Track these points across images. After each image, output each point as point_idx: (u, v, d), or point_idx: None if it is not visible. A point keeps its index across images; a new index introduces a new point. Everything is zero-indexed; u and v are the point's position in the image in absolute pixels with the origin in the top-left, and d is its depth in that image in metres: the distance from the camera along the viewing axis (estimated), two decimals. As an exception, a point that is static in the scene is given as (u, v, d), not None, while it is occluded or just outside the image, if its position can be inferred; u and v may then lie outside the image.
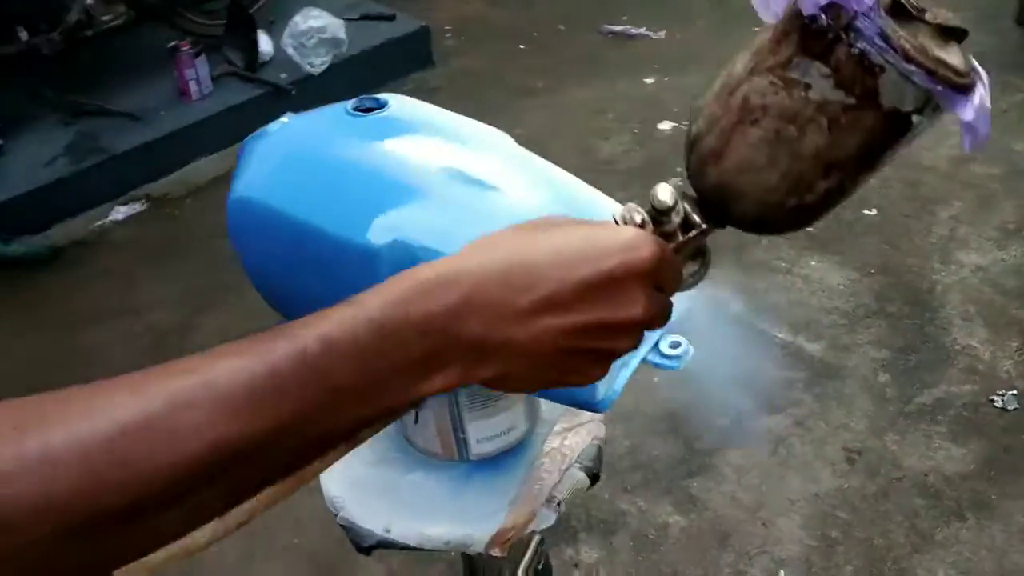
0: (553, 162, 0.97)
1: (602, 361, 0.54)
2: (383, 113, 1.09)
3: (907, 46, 0.50)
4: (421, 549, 1.14)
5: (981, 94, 0.53)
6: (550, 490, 1.15)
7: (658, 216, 0.56)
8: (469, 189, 0.99)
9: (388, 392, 0.48)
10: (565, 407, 1.24)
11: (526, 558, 1.79)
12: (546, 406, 1.25)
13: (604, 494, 1.98)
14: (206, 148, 3.31)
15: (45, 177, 3.06)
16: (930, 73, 0.50)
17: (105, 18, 3.19)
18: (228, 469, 0.44)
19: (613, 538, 1.91)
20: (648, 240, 0.52)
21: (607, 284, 0.50)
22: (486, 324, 0.49)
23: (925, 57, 0.50)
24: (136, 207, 3.16)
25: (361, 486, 1.20)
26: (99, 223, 3.05)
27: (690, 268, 0.59)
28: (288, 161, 1.09)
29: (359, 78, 3.60)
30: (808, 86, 0.52)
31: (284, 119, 1.17)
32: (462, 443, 1.14)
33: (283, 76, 3.48)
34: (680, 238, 0.57)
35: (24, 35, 3.06)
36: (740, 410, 2.15)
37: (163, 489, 0.42)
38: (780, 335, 2.35)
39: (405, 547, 1.15)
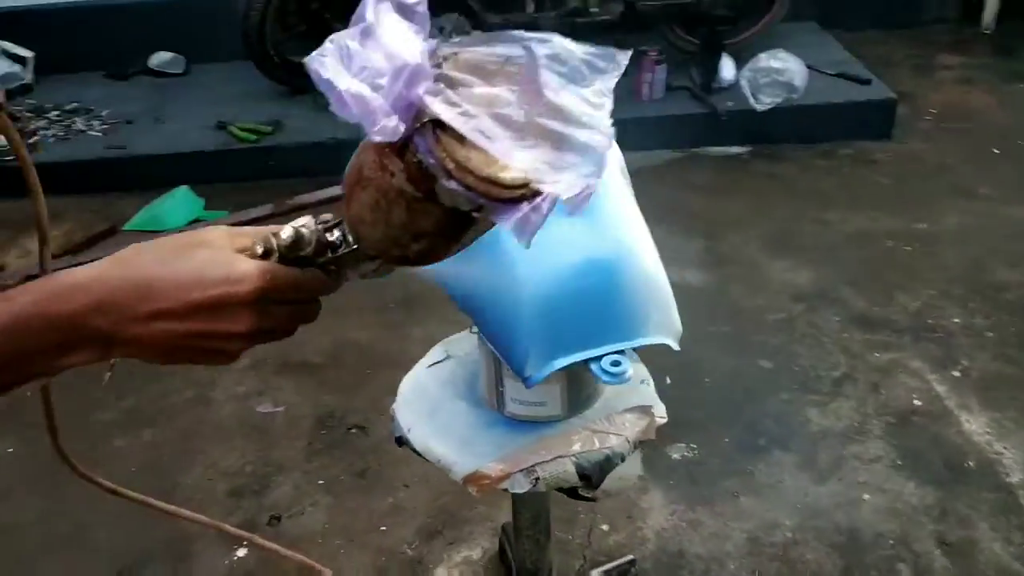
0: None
1: (218, 355, 0.70)
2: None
3: (450, 165, 0.57)
4: (423, 457, 1.34)
5: (539, 201, 0.57)
6: (535, 463, 1.27)
7: (290, 246, 0.70)
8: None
9: (31, 365, 0.65)
10: (610, 411, 1.34)
11: (606, 567, 1.87)
12: (598, 405, 1.36)
13: (730, 564, 1.94)
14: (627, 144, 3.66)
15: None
16: (468, 188, 0.57)
17: (594, 10, 3.65)
18: None
19: (710, 606, 1.86)
20: (254, 275, 0.67)
21: (212, 306, 0.66)
22: (111, 323, 0.65)
23: (465, 173, 0.57)
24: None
25: (422, 390, 1.42)
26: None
27: (367, 266, 0.74)
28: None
29: (799, 127, 3.64)
30: (393, 173, 0.61)
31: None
32: (501, 396, 1.32)
33: (729, 104, 3.65)
34: (330, 255, 0.71)
35: (531, 8, 3.65)
36: None
37: None
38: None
39: (413, 450, 1.36)
